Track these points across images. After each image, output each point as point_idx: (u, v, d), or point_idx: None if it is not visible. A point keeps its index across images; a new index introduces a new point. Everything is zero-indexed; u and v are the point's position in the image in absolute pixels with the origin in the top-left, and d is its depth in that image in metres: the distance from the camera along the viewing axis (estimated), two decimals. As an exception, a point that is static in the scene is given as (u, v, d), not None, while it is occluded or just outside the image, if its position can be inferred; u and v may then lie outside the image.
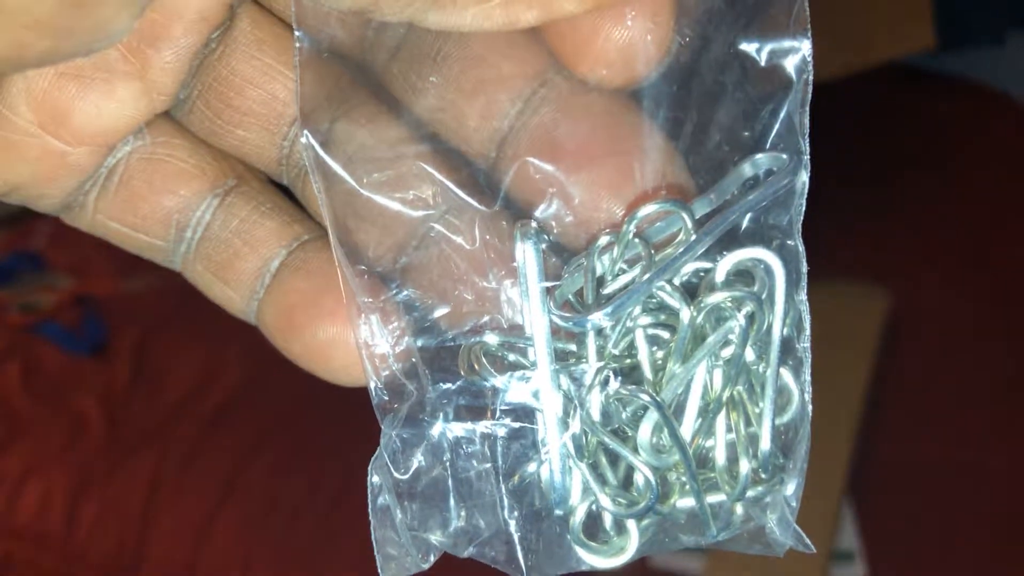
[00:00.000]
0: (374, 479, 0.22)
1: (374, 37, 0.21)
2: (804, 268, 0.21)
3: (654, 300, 0.21)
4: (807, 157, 0.21)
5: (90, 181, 0.21)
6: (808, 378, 0.22)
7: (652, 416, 0.21)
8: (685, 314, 0.21)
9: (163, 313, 1.10)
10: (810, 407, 0.22)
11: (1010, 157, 1.34)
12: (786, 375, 0.22)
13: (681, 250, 0.20)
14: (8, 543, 0.91)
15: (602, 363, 0.21)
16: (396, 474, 0.22)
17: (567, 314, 0.21)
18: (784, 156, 0.21)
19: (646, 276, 0.20)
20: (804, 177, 0.21)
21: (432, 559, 0.22)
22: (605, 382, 0.21)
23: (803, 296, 0.21)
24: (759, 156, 0.21)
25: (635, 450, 0.21)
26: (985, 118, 1.40)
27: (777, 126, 0.21)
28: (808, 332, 0.22)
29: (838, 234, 1.23)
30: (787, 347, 0.22)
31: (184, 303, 1.13)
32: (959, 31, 1.31)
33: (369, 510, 0.22)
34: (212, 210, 0.22)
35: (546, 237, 0.21)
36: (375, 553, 0.22)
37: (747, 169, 0.21)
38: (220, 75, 0.21)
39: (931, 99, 1.43)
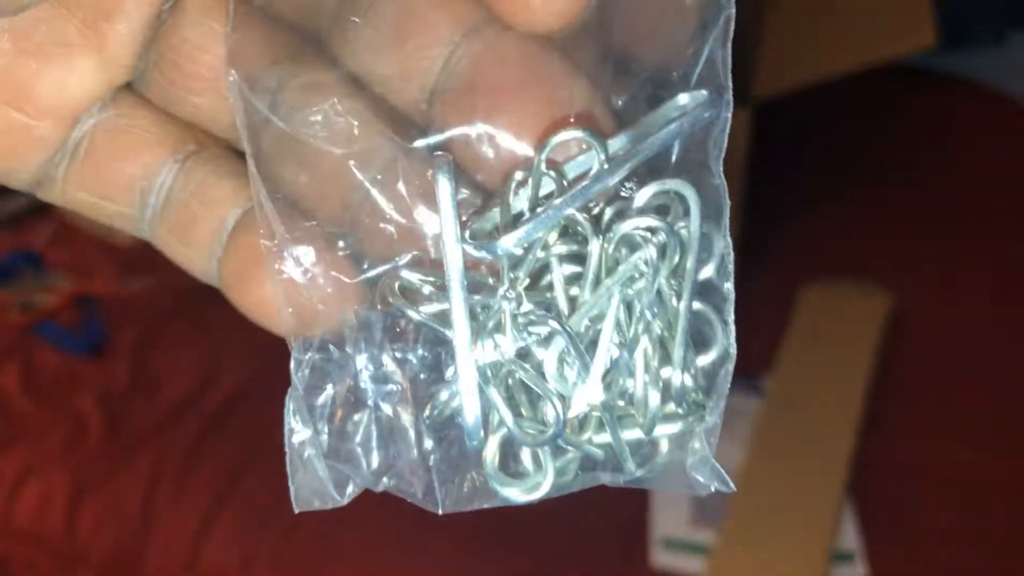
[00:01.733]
0: (291, 409, 0.22)
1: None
2: (727, 204, 0.21)
3: (573, 239, 0.21)
4: (730, 94, 0.21)
5: (58, 155, 0.22)
6: (732, 318, 0.22)
7: (559, 343, 0.21)
8: (595, 243, 0.21)
9: (163, 313, 1.11)
10: (734, 348, 0.22)
11: (1010, 157, 1.34)
12: (711, 316, 0.22)
13: (592, 179, 0.21)
14: (7, 543, 0.91)
15: (510, 286, 0.21)
16: (310, 401, 0.22)
17: (479, 242, 0.21)
18: (704, 93, 0.21)
19: (556, 202, 0.20)
20: (727, 113, 0.21)
21: (350, 492, 0.22)
22: (517, 305, 0.21)
23: (727, 236, 0.21)
24: (680, 96, 0.21)
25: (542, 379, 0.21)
26: (985, 118, 1.40)
27: (700, 66, 0.21)
28: (732, 271, 0.22)
29: (838, 234, 1.23)
30: (711, 288, 0.22)
31: (184, 303, 1.13)
32: (959, 31, 1.31)
33: (285, 441, 0.22)
34: (173, 175, 0.22)
35: (465, 176, 0.21)
36: (289, 484, 0.22)
37: (669, 109, 0.21)
38: (172, 44, 0.22)
39: (931, 99, 1.43)
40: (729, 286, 0.22)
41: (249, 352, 1.05)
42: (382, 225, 0.21)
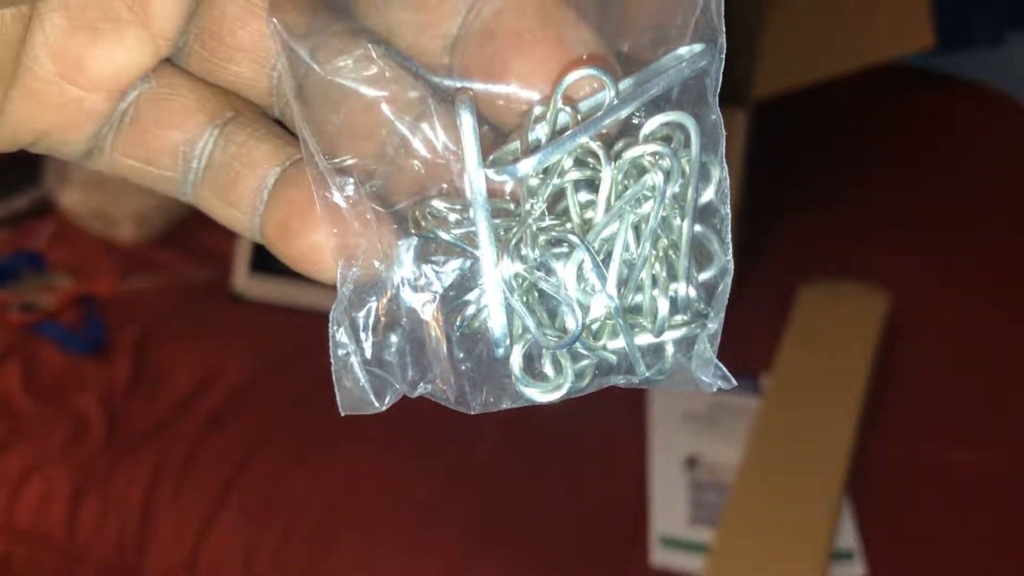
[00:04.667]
0: (335, 322, 0.24)
1: None
2: (723, 136, 0.24)
3: (587, 167, 0.23)
4: (723, 37, 0.23)
5: (107, 126, 0.24)
6: (729, 238, 0.24)
7: (577, 256, 0.23)
8: (607, 169, 0.23)
9: (163, 313, 1.11)
10: (731, 264, 0.24)
11: (1010, 157, 1.34)
12: (712, 236, 0.24)
13: (604, 111, 0.23)
14: (9, 542, 0.91)
15: (531, 206, 0.23)
16: (352, 315, 0.24)
17: (499, 167, 0.23)
18: (702, 46, 0.23)
19: (571, 131, 0.23)
20: (721, 57, 0.23)
21: (388, 399, 0.24)
22: (538, 222, 0.23)
23: (724, 165, 0.24)
24: (680, 49, 0.23)
25: (562, 288, 0.23)
26: (985, 118, 1.40)
27: (697, 13, 0.23)
28: (728, 195, 0.24)
29: (837, 234, 1.23)
30: (712, 210, 0.24)
31: (184, 303, 1.14)
32: (958, 32, 1.31)
33: (330, 351, 0.23)
34: (214, 140, 0.24)
35: (485, 120, 0.23)
36: (336, 392, 0.24)
37: (669, 60, 0.24)
38: (213, 17, 0.24)
39: (931, 99, 1.43)
40: (726, 209, 0.24)
41: (249, 351, 1.06)
42: (412, 161, 0.23)
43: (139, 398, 1.00)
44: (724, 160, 0.24)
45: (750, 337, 1.07)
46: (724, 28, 0.23)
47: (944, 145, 1.36)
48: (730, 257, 0.24)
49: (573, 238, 0.23)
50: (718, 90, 0.23)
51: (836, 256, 1.20)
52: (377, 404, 0.24)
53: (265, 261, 1.12)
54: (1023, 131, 1.38)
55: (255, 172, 0.24)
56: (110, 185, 1.19)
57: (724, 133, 0.23)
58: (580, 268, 0.23)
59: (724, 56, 0.23)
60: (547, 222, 0.23)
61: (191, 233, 1.23)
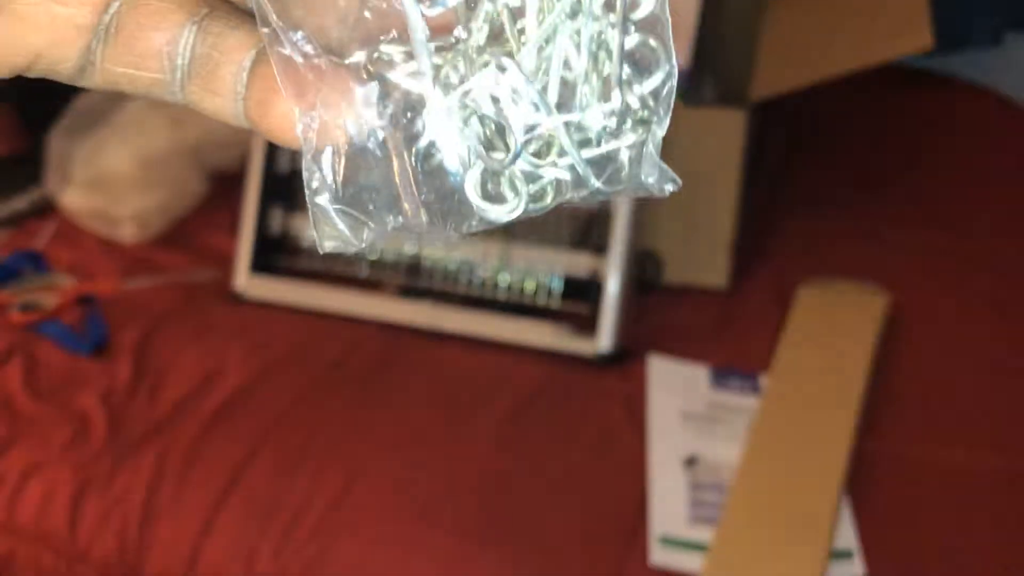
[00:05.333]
0: (304, 169, 0.25)
1: None
2: None
3: None
4: None
5: (95, 39, 0.26)
6: (672, 44, 0.25)
7: (511, 76, 0.24)
8: None
9: (164, 313, 1.11)
10: (676, 68, 0.25)
11: (1009, 157, 1.34)
12: (655, 43, 0.25)
13: None
14: (10, 542, 0.91)
15: (467, 33, 0.24)
16: (318, 160, 0.25)
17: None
18: None
19: None
20: None
21: (365, 236, 0.25)
22: (476, 48, 0.24)
23: None
24: None
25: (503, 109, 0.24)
26: (985, 118, 1.40)
27: None
28: (668, 5, 0.25)
29: (838, 234, 1.24)
30: (653, 19, 0.25)
31: (185, 302, 1.14)
32: (957, 32, 1.31)
33: (306, 196, 0.25)
34: (193, 36, 0.26)
35: None
36: (314, 233, 0.25)
37: None
38: None
39: (931, 99, 1.43)
40: (667, 15, 0.25)
41: (249, 351, 1.06)
42: (363, 13, 0.25)
43: (140, 398, 1.00)
44: None
45: (750, 337, 1.08)
46: None
47: (944, 145, 1.36)
48: (674, 62, 0.25)
49: (505, 60, 0.24)
50: None
51: (836, 256, 1.20)
52: (356, 242, 0.25)
53: (265, 261, 1.12)
54: (1023, 131, 1.38)
55: (232, 58, 0.25)
56: (111, 185, 1.20)
57: None
58: (516, 88, 0.24)
59: None
60: (484, 47, 0.24)
61: (192, 233, 1.23)
